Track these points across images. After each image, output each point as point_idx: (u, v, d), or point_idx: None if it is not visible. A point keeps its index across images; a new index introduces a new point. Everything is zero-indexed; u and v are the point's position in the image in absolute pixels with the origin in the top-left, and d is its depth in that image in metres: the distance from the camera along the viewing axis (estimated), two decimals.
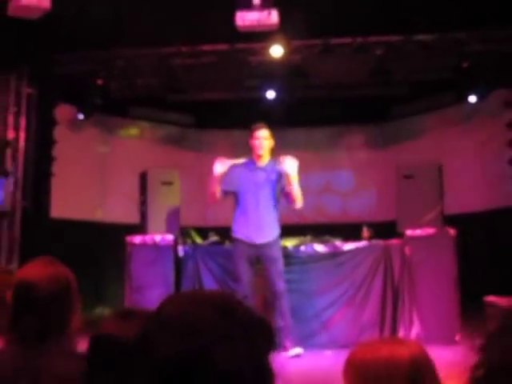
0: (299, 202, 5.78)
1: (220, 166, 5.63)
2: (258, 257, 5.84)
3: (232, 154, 10.87)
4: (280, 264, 5.83)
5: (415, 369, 1.38)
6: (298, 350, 5.64)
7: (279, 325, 5.67)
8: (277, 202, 5.86)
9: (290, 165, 5.59)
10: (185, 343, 0.93)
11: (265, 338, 1.01)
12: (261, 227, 5.76)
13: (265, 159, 5.88)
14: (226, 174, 5.74)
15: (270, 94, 9.22)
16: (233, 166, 5.81)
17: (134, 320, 1.60)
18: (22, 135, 7.75)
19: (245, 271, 5.77)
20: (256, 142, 5.83)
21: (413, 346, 1.45)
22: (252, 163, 5.91)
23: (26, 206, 7.70)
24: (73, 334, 2.01)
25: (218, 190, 5.75)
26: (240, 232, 5.85)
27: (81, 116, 9.12)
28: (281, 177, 5.76)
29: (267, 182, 5.79)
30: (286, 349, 5.62)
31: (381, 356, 1.40)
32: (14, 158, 7.68)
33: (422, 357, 1.42)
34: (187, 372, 0.93)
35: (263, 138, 5.81)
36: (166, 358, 0.94)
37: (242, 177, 5.81)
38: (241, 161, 5.97)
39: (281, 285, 5.76)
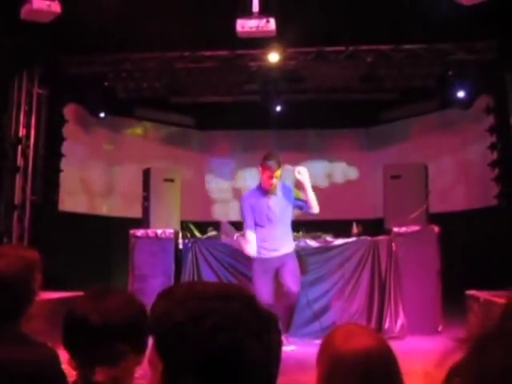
0: (316, 208, 5.73)
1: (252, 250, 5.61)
2: (277, 268, 5.67)
3: (230, 153, 10.94)
4: (294, 268, 5.71)
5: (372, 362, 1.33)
6: (292, 347, 5.61)
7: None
8: (291, 220, 5.81)
9: (302, 173, 5.62)
10: (219, 338, 0.92)
11: (277, 331, 1.00)
12: (278, 247, 5.66)
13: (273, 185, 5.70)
14: (246, 210, 5.69)
15: (278, 108, 9.30)
16: (247, 199, 5.73)
17: (108, 300, 1.55)
18: (33, 133, 7.71)
19: (263, 284, 5.59)
20: (268, 180, 5.58)
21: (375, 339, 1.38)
22: (262, 191, 5.70)
23: (36, 199, 7.66)
24: (28, 321, 1.91)
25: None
26: (259, 252, 5.69)
27: (91, 116, 9.09)
28: (290, 193, 5.72)
29: (280, 204, 5.67)
30: None
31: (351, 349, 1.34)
32: (25, 155, 7.64)
33: (381, 351, 1.37)
34: (220, 364, 0.91)
35: (275, 177, 5.56)
36: (202, 351, 0.92)
37: (257, 205, 5.66)
38: (250, 191, 5.87)
39: (294, 286, 5.62)
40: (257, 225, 5.71)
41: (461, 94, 8.46)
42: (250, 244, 5.65)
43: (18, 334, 1.85)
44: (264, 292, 5.51)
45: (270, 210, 5.67)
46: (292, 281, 5.62)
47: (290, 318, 5.78)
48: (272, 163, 5.54)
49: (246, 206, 5.72)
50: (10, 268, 1.85)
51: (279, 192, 5.72)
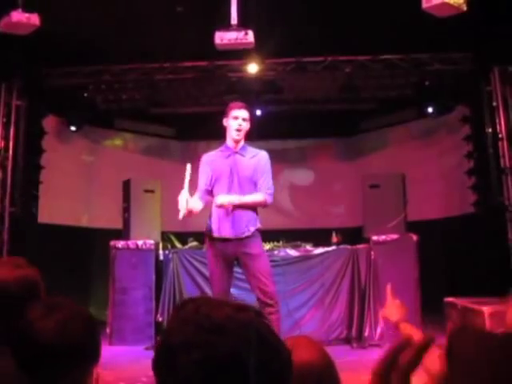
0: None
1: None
2: (235, 256, 4.65)
3: None
4: (263, 261, 4.62)
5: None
6: None
7: None
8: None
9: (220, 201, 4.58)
10: (205, 372, 0.91)
11: (284, 363, 0.99)
12: (236, 220, 4.58)
13: (241, 144, 4.75)
14: (201, 173, 4.75)
15: (258, 112, 9.28)
16: (204, 159, 4.82)
17: (57, 314, 1.56)
18: (11, 145, 7.67)
19: (218, 274, 4.62)
20: (233, 123, 4.64)
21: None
22: (227, 148, 4.75)
23: (15, 211, 7.61)
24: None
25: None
26: (214, 227, 4.67)
27: (72, 127, 9.04)
28: (262, 163, 4.72)
29: (247, 169, 4.68)
30: None
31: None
32: (3, 166, 7.60)
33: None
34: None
35: (242, 119, 4.65)
36: (186, 381, 0.92)
37: (217, 165, 4.72)
38: (213, 151, 4.87)
39: (266, 284, 4.54)
40: (214, 193, 4.69)
41: (438, 103, 8.59)
42: (185, 205, 4.52)
43: None
44: (216, 286, 4.62)
45: (232, 172, 4.65)
46: (264, 277, 4.53)
47: None
48: (238, 102, 4.80)
49: (202, 166, 4.77)
50: (25, 282, 1.86)
51: (248, 154, 4.74)
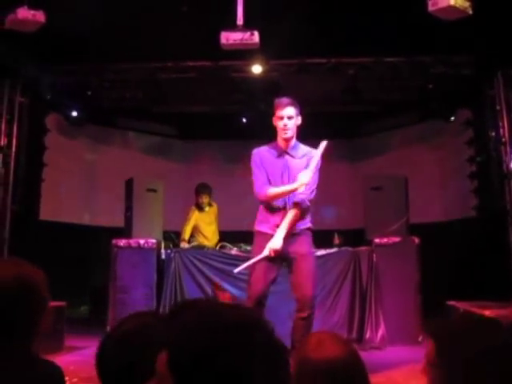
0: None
1: None
2: (281, 254, 4.49)
3: (211, 164, 10.94)
4: (308, 262, 4.57)
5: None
6: None
7: None
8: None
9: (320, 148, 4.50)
10: (233, 369, 0.90)
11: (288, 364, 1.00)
12: (284, 218, 4.47)
13: (291, 143, 4.60)
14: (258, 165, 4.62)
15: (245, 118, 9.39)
16: (258, 153, 4.64)
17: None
18: (14, 142, 7.65)
19: (259, 270, 4.48)
20: (279, 123, 4.50)
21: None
22: (277, 147, 4.60)
23: (16, 209, 7.59)
24: (37, 338, 1.81)
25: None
26: (262, 226, 4.59)
27: (75, 125, 9.04)
28: (316, 160, 4.55)
29: (297, 170, 4.49)
30: None
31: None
32: (6, 164, 7.57)
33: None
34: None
35: (288, 118, 4.47)
36: (216, 378, 0.91)
37: (269, 164, 4.58)
38: (264, 147, 4.69)
39: (307, 288, 4.53)
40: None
41: (440, 107, 8.57)
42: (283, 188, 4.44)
43: (30, 351, 1.77)
44: (257, 278, 4.47)
45: (283, 176, 4.53)
46: (305, 278, 4.50)
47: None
48: (283, 99, 4.55)
49: (257, 160, 4.59)
50: (22, 282, 1.77)
51: (298, 154, 4.59)
